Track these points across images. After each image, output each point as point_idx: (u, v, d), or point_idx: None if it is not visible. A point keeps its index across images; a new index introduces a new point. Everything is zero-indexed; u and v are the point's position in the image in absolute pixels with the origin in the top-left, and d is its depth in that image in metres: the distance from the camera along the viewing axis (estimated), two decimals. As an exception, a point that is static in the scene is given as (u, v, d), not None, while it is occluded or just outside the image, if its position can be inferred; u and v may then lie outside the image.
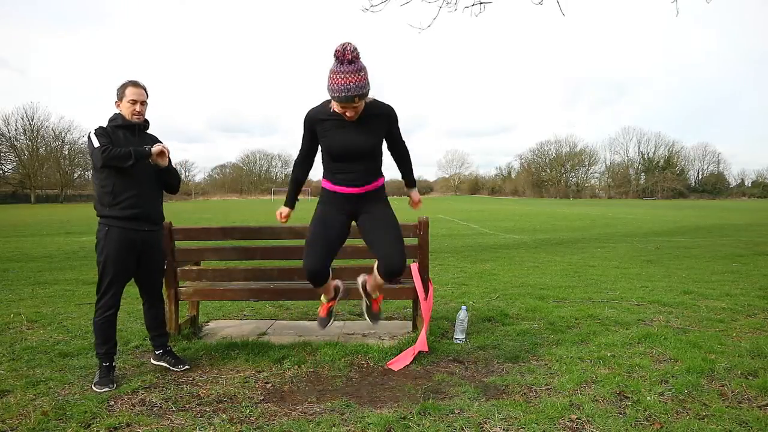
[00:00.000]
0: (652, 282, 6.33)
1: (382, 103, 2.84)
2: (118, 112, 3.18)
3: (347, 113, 2.65)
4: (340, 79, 2.52)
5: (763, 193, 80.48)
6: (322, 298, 3.14)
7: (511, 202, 62.02)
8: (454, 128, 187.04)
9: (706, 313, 4.62)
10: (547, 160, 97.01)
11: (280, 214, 3.10)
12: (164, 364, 3.32)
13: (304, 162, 3.03)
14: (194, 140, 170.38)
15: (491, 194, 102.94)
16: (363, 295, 3.12)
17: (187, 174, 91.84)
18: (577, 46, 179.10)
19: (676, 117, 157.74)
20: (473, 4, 6.22)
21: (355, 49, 2.54)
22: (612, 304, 5.08)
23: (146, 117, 3.25)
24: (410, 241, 3.83)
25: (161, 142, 3.27)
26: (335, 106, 2.67)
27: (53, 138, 64.93)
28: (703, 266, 7.73)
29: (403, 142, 3.06)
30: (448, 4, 6.28)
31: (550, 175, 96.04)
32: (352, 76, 2.52)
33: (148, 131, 3.29)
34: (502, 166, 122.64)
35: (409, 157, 3.14)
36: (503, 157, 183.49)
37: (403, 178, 3.22)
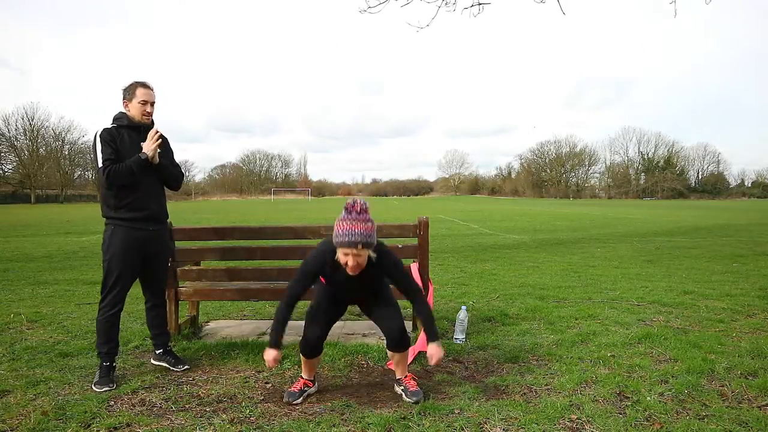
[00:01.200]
0: (652, 282, 6.33)
1: (385, 256, 2.77)
2: (123, 111, 3.19)
3: (349, 262, 2.61)
4: (346, 225, 2.57)
5: (763, 193, 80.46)
6: (303, 373, 2.95)
7: (511, 202, 62.01)
8: (455, 128, 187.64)
9: (706, 313, 4.62)
10: (547, 160, 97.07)
11: (273, 359, 2.73)
12: (164, 364, 3.32)
13: (292, 303, 2.80)
14: (194, 140, 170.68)
15: (491, 194, 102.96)
16: (397, 387, 2.94)
17: (187, 174, 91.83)
18: (578, 46, 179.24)
19: (676, 117, 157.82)
20: (472, 5, 6.20)
21: (365, 204, 2.63)
22: (612, 304, 5.08)
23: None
24: (410, 241, 3.84)
25: (166, 139, 3.27)
26: (339, 254, 2.65)
27: (53, 138, 65.07)
28: (703, 266, 7.73)
29: (418, 290, 2.88)
30: (446, 4, 6.26)
31: (550, 175, 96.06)
32: (359, 224, 2.57)
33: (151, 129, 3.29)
34: (502, 166, 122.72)
35: (428, 307, 2.88)
36: (503, 157, 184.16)
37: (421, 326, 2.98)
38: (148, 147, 3.13)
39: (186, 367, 3.29)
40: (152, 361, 3.39)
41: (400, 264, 2.85)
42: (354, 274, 2.68)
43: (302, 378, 2.94)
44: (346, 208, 2.61)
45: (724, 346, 3.61)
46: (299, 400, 2.80)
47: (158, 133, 3.18)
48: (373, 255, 2.68)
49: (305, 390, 2.88)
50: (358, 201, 2.63)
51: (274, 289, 3.94)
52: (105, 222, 3.16)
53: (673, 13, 6.12)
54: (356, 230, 2.56)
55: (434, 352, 2.75)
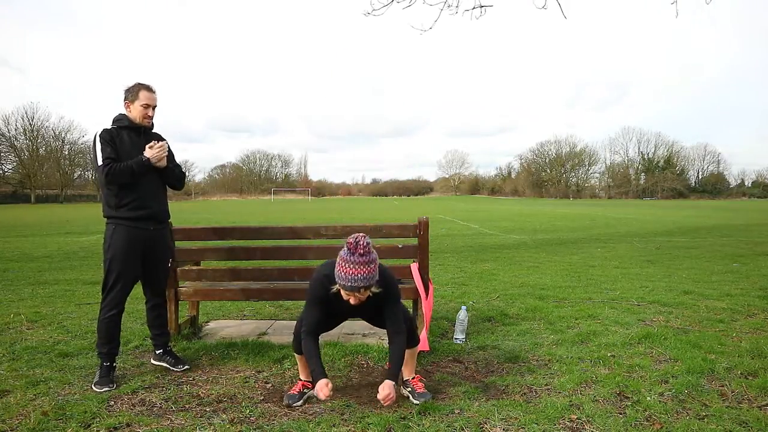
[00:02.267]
0: (652, 282, 6.33)
1: (387, 283, 2.75)
2: (124, 112, 3.19)
3: (351, 300, 2.64)
4: (349, 269, 2.54)
5: (763, 193, 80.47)
6: (301, 375, 2.94)
7: (511, 202, 62.02)
8: (456, 128, 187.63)
9: (706, 313, 4.62)
10: (547, 160, 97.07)
11: (326, 385, 2.55)
12: (164, 364, 3.32)
13: (313, 331, 2.76)
14: (194, 140, 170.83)
15: (491, 194, 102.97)
16: (404, 389, 2.92)
17: (187, 174, 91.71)
18: (579, 46, 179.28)
19: (676, 117, 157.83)
20: (474, 8, 6.21)
21: (368, 244, 2.57)
22: (612, 304, 5.08)
23: None
24: (410, 241, 3.84)
25: (165, 140, 3.28)
26: (341, 292, 2.65)
27: (53, 138, 65.09)
28: (703, 266, 7.73)
29: (399, 322, 2.78)
30: (449, 7, 6.27)
31: (550, 175, 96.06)
32: (362, 268, 2.53)
33: (152, 131, 3.31)
34: (502, 166, 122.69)
35: (402, 346, 2.74)
36: (504, 158, 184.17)
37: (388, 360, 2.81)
38: (152, 153, 3.13)
39: (186, 367, 3.29)
40: (152, 361, 3.39)
41: (399, 297, 2.86)
42: (357, 305, 2.70)
43: (300, 380, 2.92)
44: (348, 248, 2.56)
45: (724, 346, 3.61)
46: (299, 403, 2.76)
47: (164, 145, 3.19)
48: (376, 290, 2.67)
49: (305, 392, 2.85)
50: (361, 241, 2.56)
51: (274, 289, 3.94)
52: (106, 221, 3.16)
53: (674, 14, 6.12)
54: (359, 275, 2.53)
55: (388, 390, 2.56)
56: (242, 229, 4.05)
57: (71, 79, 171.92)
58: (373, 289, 2.64)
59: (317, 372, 2.63)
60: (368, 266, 2.55)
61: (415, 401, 2.77)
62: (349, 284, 2.54)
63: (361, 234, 2.61)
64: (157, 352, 3.37)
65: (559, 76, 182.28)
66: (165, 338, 3.40)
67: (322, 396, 2.53)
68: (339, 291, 2.66)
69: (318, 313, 2.78)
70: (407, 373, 2.93)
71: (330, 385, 2.56)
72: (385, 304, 2.79)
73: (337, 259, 2.60)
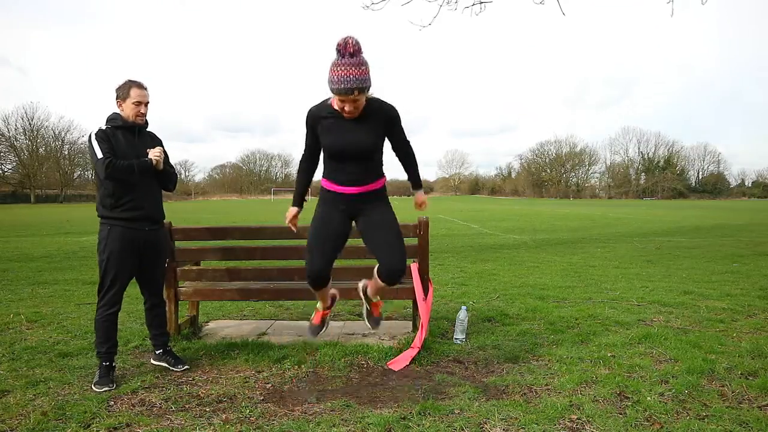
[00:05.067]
0: (652, 282, 6.33)
1: (384, 102, 2.78)
2: (117, 111, 3.18)
3: (346, 107, 2.58)
4: (340, 71, 2.47)
5: (764, 193, 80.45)
6: (318, 305, 3.07)
7: (511, 202, 62.01)
8: (457, 128, 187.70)
9: (707, 314, 4.61)
10: (547, 160, 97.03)
11: (290, 214, 3.00)
12: (164, 364, 3.31)
13: (308, 161, 2.97)
14: (194, 140, 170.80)
15: (491, 194, 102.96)
16: (363, 300, 3.07)
17: (187, 174, 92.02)
18: (580, 46, 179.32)
19: (676, 117, 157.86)
20: (473, 4, 6.22)
21: (357, 42, 2.49)
22: (612, 304, 5.08)
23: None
24: (410, 241, 3.83)
25: (160, 141, 3.29)
26: (335, 102, 2.62)
27: (53, 138, 65.06)
28: (703, 266, 7.73)
29: (408, 142, 2.98)
30: (448, 3, 6.28)
31: (550, 175, 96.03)
32: (353, 69, 2.47)
33: (147, 129, 3.30)
34: (503, 166, 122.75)
35: (415, 158, 3.03)
36: (504, 157, 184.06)
37: (408, 179, 3.11)
38: (153, 155, 3.14)
39: (186, 367, 3.29)
40: (152, 361, 3.38)
41: (398, 114, 2.83)
42: (352, 117, 2.64)
43: (318, 310, 3.06)
44: (338, 51, 2.49)
45: (725, 346, 3.60)
46: (324, 330, 3.09)
47: (161, 150, 3.21)
48: (371, 98, 2.63)
49: (326, 320, 3.08)
50: (350, 41, 2.47)
51: (274, 289, 3.94)
52: (100, 221, 3.16)
53: (669, 13, 6.13)
54: (351, 76, 2.46)
55: (423, 198, 3.06)
56: (242, 229, 4.04)
57: (71, 78, 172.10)
58: (368, 97, 2.62)
59: (295, 201, 3.01)
60: (360, 67, 2.49)
61: (367, 323, 3.05)
62: (344, 86, 2.47)
63: (349, 35, 2.52)
64: (157, 352, 3.37)
65: (561, 75, 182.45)
66: (164, 338, 3.40)
67: (288, 215, 2.98)
68: (332, 114, 2.67)
69: (312, 142, 2.84)
70: (372, 292, 3.03)
71: (298, 216, 3.00)
72: (392, 122, 2.81)
73: (329, 67, 2.53)
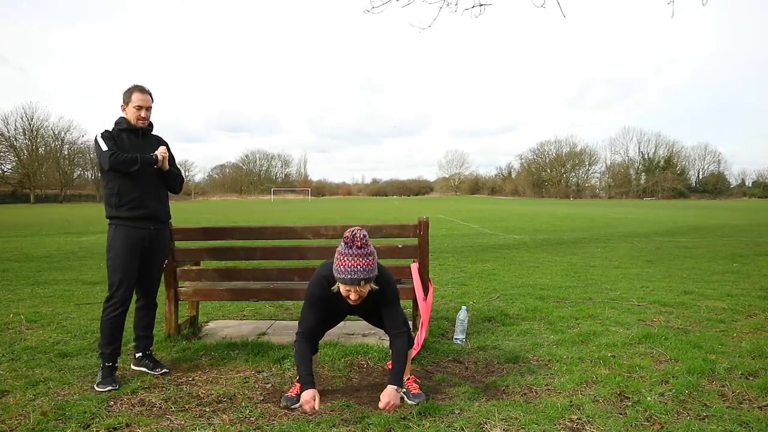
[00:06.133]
0: (652, 282, 6.33)
1: (384, 286, 2.75)
2: (123, 115, 3.24)
3: (351, 296, 2.61)
4: (348, 262, 2.53)
5: (764, 193, 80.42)
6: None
7: (511, 202, 62.01)
8: (457, 128, 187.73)
9: (707, 314, 4.61)
10: (547, 160, 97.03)
11: (312, 398, 2.50)
12: (143, 369, 3.27)
13: (309, 337, 2.77)
14: (194, 140, 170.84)
15: (491, 194, 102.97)
16: (399, 390, 2.80)
17: (186, 174, 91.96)
18: (580, 46, 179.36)
19: (676, 117, 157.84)
20: (473, 6, 6.22)
21: (365, 236, 2.56)
22: (612, 304, 5.07)
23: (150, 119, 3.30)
24: (410, 241, 3.83)
25: (166, 143, 3.33)
26: (340, 287, 2.64)
27: (53, 138, 65.12)
28: (703, 266, 7.73)
29: (400, 326, 2.78)
30: (448, 5, 6.28)
31: (550, 175, 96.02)
32: (360, 260, 2.53)
33: (152, 132, 3.34)
34: (503, 166, 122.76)
35: (406, 354, 2.75)
36: (504, 157, 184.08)
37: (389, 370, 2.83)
38: (161, 152, 3.20)
39: (165, 370, 3.23)
40: (132, 367, 3.31)
41: (397, 296, 2.85)
42: (355, 305, 2.69)
43: (298, 383, 2.90)
44: (346, 242, 2.55)
45: (725, 347, 3.60)
46: (298, 405, 2.67)
47: (165, 151, 3.25)
48: (375, 287, 2.66)
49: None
50: (358, 234, 2.56)
51: (274, 289, 3.94)
52: (108, 222, 3.19)
53: (670, 14, 6.12)
54: (358, 267, 2.52)
55: (390, 397, 2.53)
56: (242, 229, 4.04)
57: (71, 78, 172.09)
58: (373, 285, 2.63)
59: (305, 380, 2.58)
60: (366, 258, 2.54)
61: (409, 402, 2.76)
62: (349, 276, 2.52)
63: (356, 227, 2.59)
64: (137, 355, 3.32)
65: (561, 75, 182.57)
66: (148, 342, 3.36)
67: (307, 408, 2.48)
68: (339, 291, 2.64)
69: (316, 315, 2.77)
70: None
71: (318, 398, 2.50)
72: (384, 305, 2.78)
73: (335, 255, 2.59)
